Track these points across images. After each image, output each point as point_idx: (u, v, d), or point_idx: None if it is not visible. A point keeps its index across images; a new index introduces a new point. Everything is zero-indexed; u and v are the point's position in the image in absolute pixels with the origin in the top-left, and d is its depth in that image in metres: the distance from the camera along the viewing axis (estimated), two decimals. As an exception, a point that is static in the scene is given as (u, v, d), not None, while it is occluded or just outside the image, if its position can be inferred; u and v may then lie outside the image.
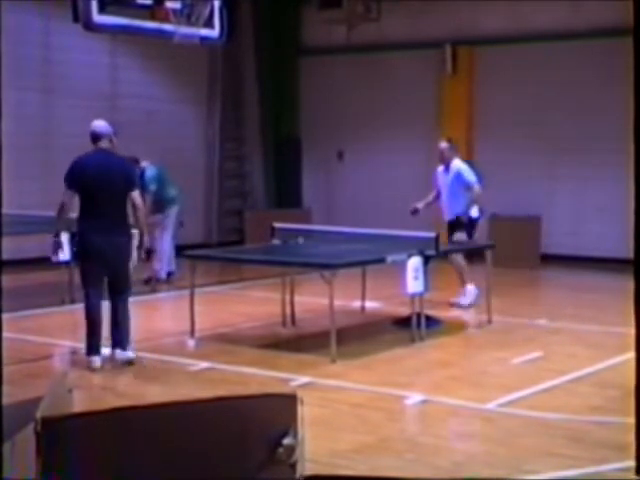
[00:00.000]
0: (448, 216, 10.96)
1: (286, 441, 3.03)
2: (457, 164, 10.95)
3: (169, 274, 13.04)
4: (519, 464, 5.62)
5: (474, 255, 11.34)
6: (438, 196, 11.17)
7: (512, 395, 7.13)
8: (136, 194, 8.19)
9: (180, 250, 10.74)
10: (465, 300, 10.79)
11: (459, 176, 10.81)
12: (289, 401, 3.25)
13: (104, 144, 8.15)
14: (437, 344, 9.18)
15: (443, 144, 11.10)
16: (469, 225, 10.79)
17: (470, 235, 10.82)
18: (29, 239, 12.18)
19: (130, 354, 8.11)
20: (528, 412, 6.71)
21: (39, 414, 3.24)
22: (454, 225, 10.85)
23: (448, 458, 5.73)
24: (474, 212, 10.78)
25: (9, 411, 4.18)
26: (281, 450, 3.01)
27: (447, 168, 11.00)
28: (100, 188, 7.97)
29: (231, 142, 17.73)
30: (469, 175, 10.83)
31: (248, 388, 7.30)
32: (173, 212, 13.10)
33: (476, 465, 5.61)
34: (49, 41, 14.89)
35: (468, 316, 10.49)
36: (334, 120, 17.28)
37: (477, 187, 10.78)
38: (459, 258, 10.79)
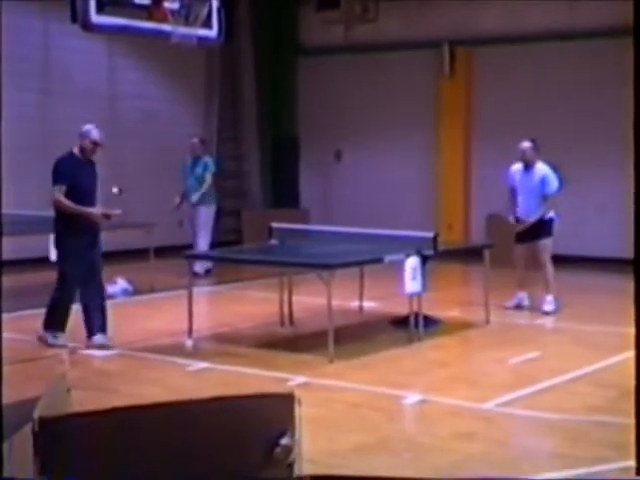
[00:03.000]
0: (524, 215, 10.72)
1: (284, 441, 3.03)
2: (543, 168, 10.67)
3: (207, 271, 13.08)
4: (518, 464, 5.62)
5: (472, 255, 11.33)
6: (512, 194, 10.95)
7: (511, 395, 7.13)
8: (53, 188, 8.54)
9: (177, 250, 10.73)
10: (550, 306, 10.62)
11: (544, 181, 10.61)
12: (287, 401, 3.25)
13: (75, 146, 8.73)
14: (435, 344, 9.18)
15: (526, 144, 10.84)
16: (550, 228, 10.65)
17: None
18: (27, 239, 12.17)
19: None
20: (527, 412, 6.71)
21: (37, 414, 3.24)
22: (537, 229, 10.64)
23: (447, 458, 5.72)
24: (551, 214, 10.64)
25: (7, 411, 4.18)
26: (279, 450, 3.01)
27: (528, 168, 10.78)
28: None
29: (228, 142, 17.72)
30: (553, 182, 10.61)
31: (246, 388, 7.29)
32: (213, 209, 13.55)
33: (475, 465, 5.61)
34: (48, 42, 14.88)
35: (466, 316, 10.48)
36: (332, 120, 17.28)
37: (556, 194, 10.63)
38: (549, 264, 10.65)
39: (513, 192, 10.90)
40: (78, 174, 8.57)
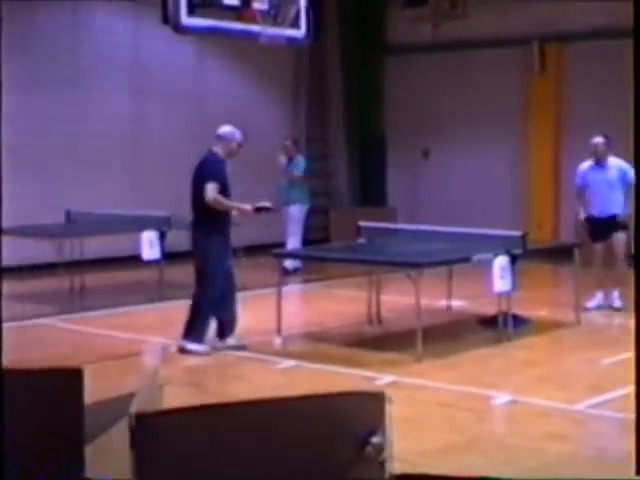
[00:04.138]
0: (599, 213, 10.59)
1: (375, 439, 3.03)
2: (618, 161, 10.56)
3: (295, 269, 13.20)
4: (610, 466, 5.53)
5: (561, 255, 11.17)
6: (582, 193, 10.82)
7: (602, 396, 7.02)
8: (206, 187, 8.31)
9: (267, 248, 10.83)
10: (618, 302, 10.46)
11: (624, 174, 10.43)
12: (377, 399, 3.25)
13: (216, 146, 8.56)
14: (524, 344, 9.09)
15: (599, 139, 10.70)
16: (626, 222, 10.47)
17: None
18: (119, 238, 12.42)
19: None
20: (618, 414, 6.60)
21: (133, 409, 3.31)
22: (611, 224, 10.51)
23: (538, 459, 5.67)
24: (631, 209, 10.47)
25: (103, 406, 4.28)
26: (370, 448, 3.01)
27: (600, 164, 10.64)
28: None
29: (316, 141, 17.79)
30: (631, 171, 10.43)
31: (334, 386, 7.32)
32: (305, 208, 13.84)
33: (567, 466, 5.55)
34: (140, 44, 15.15)
35: (556, 316, 10.34)
36: (419, 118, 17.21)
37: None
38: (623, 260, 10.47)
39: (583, 191, 10.76)
40: (224, 175, 8.49)
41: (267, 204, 8.85)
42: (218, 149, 8.53)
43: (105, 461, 3.76)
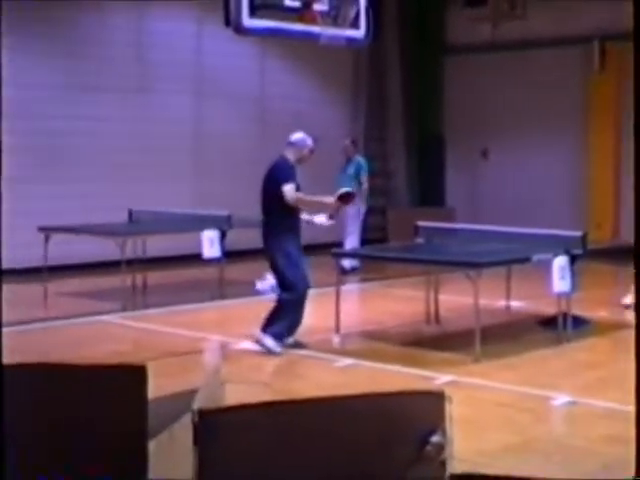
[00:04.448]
0: None
1: (435, 439, 3.06)
2: None
3: (353, 269, 13.26)
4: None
5: (621, 255, 11.07)
6: None
7: (663, 399, 6.95)
8: (284, 189, 8.37)
9: (326, 248, 10.89)
10: None
11: None
12: (437, 398, 3.28)
13: (288, 152, 8.63)
14: (584, 345, 9.03)
15: None
16: None
17: None
18: (181, 236, 12.58)
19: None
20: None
21: (196, 405, 3.38)
22: None
23: (597, 461, 5.65)
24: None
25: (164, 402, 4.36)
26: (430, 448, 3.04)
27: None
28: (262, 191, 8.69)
29: (375, 141, 17.82)
30: None
31: (392, 385, 7.35)
32: (363, 208, 13.94)
33: (627, 468, 5.51)
34: (202, 46, 15.32)
35: (616, 317, 10.26)
36: (478, 118, 17.16)
37: None
38: None
39: None
40: (295, 179, 8.55)
41: (347, 189, 8.95)
42: (290, 155, 8.62)
43: (167, 457, 3.83)
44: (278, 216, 8.49)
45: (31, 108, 13.29)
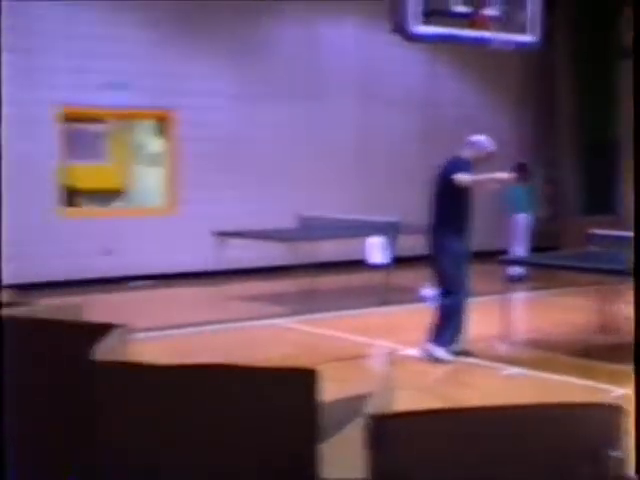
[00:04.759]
0: None
1: (614, 453, 2.98)
2: None
3: (520, 277, 13.08)
4: None
5: None
6: None
7: None
8: (457, 177, 8.27)
9: (493, 255, 10.76)
10: None
11: None
12: (614, 412, 3.20)
13: (465, 151, 8.56)
14: None
15: None
16: None
17: None
18: (349, 242, 12.71)
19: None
20: None
21: (368, 410, 3.41)
22: None
23: None
24: None
25: (333, 406, 4.42)
26: (608, 462, 2.96)
27: None
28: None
29: (543, 147, 17.50)
30: None
31: (561, 396, 7.20)
32: (530, 216, 13.92)
33: None
34: (370, 53, 15.42)
35: None
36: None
37: None
38: None
39: None
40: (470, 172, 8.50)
41: (521, 161, 8.83)
42: (467, 154, 8.51)
43: (338, 461, 3.88)
44: (448, 215, 8.40)
45: (209, 116, 13.80)
